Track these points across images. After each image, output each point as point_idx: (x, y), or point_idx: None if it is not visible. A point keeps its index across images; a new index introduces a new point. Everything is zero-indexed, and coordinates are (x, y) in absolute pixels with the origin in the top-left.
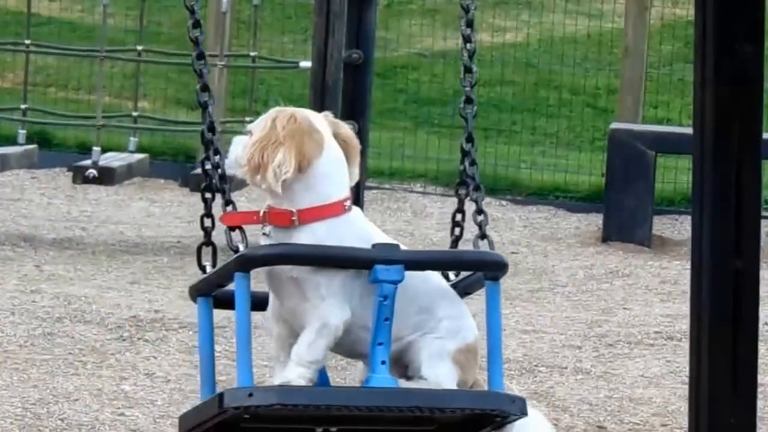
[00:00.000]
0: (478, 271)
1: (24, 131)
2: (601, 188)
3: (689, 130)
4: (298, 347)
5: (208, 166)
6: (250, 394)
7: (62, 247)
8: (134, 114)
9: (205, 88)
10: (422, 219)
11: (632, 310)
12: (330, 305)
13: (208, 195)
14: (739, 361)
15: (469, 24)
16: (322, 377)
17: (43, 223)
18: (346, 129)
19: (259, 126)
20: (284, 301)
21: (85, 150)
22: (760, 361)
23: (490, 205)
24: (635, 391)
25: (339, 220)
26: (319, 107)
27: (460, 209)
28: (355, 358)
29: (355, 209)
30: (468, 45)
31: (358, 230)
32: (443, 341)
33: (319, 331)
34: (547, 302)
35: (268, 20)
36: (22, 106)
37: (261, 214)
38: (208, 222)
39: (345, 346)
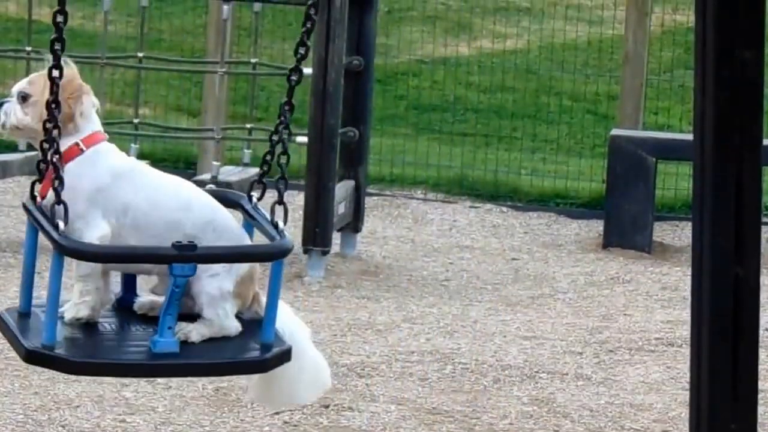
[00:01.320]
0: (269, 261)
1: None
2: (601, 195)
3: (690, 137)
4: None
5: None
6: (44, 354)
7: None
8: (135, 121)
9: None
10: (423, 225)
11: (633, 317)
12: (81, 225)
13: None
14: (740, 367)
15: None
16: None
17: None
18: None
19: (38, 88)
20: None
21: None
22: (760, 367)
23: (491, 211)
24: (636, 398)
25: (100, 147)
26: (320, 113)
27: (271, 152)
28: (142, 273)
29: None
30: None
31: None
32: (220, 281)
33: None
34: (547, 308)
35: (269, 27)
36: None
37: (52, 166)
38: (43, 165)
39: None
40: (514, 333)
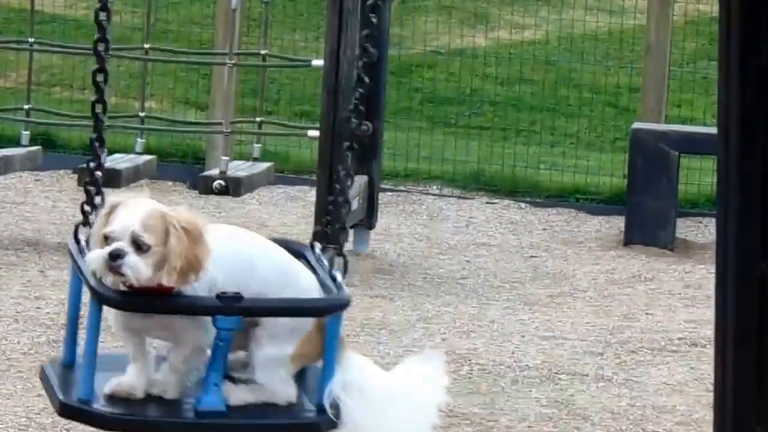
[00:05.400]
0: (319, 317)
1: (28, 132)
2: (622, 190)
3: (713, 130)
4: (175, 358)
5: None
6: (80, 408)
7: (67, 251)
8: (141, 114)
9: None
10: (438, 222)
11: (655, 316)
12: (208, 331)
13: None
14: (766, 367)
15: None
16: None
17: (48, 227)
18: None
19: (158, 236)
20: (153, 317)
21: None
22: None
23: (509, 207)
24: (658, 399)
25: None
26: (332, 106)
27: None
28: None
29: None
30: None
31: None
32: (280, 344)
33: (195, 351)
34: (567, 308)
35: (280, 17)
36: (26, 107)
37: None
38: (88, 208)
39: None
40: (532, 333)
